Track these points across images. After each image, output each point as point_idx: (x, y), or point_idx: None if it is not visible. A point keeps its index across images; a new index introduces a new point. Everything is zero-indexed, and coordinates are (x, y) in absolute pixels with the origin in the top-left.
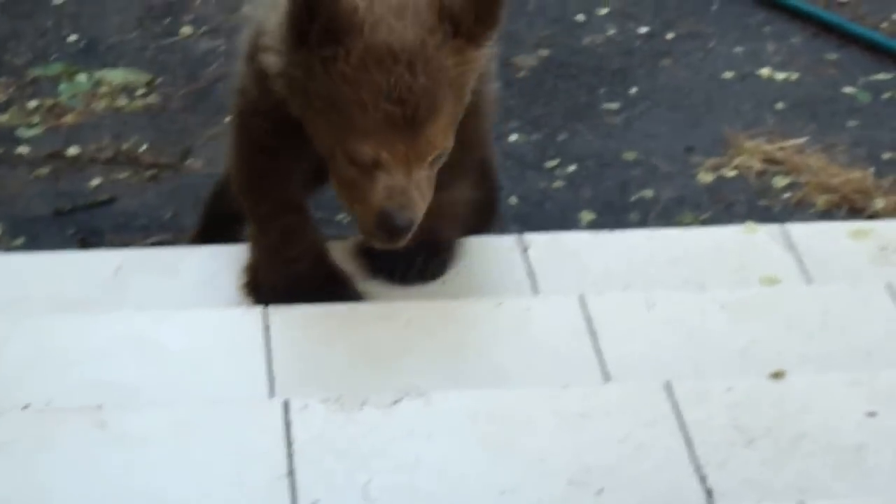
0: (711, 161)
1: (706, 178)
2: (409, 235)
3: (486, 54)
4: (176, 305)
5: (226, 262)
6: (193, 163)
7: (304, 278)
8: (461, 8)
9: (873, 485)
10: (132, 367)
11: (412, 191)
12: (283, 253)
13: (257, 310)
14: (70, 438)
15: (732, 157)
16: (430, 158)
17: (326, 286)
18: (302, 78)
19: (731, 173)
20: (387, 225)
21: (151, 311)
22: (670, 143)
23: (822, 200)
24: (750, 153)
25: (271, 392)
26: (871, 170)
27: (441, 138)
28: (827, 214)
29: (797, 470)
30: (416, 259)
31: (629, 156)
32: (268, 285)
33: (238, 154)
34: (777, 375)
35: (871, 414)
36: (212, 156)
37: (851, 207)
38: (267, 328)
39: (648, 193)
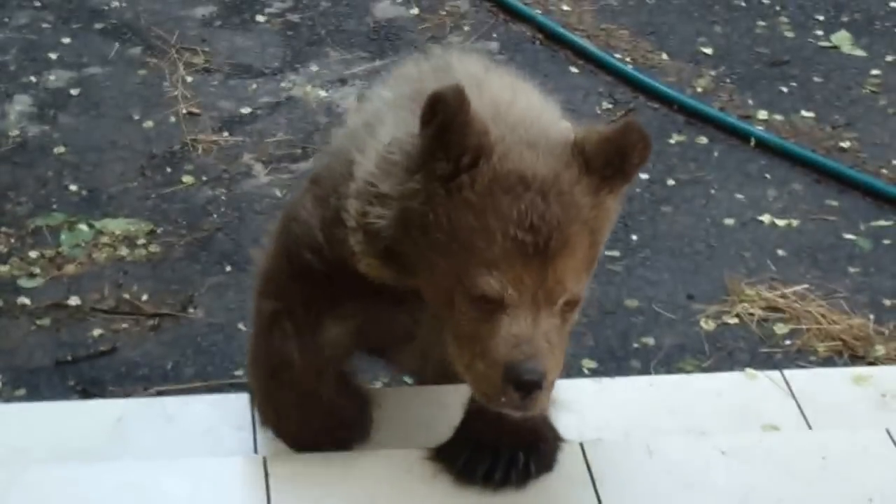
0: (713, 308)
1: (708, 325)
2: (542, 398)
3: (618, 206)
4: (177, 455)
5: (226, 411)
6: (195, 312)
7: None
8: (595, 150)
9: None
10: None
11: (540, 340)
12: (286, 395)
13: (258, 458)
14: None
15: (734, 304)
16: (560, 301)
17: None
18: (418, 210)
19: (733, 320)
20: (515, 379)
21: (152, 461)
22: (672, 290)
23: (823, 347)
24: (751, 300)
25: None
26: (872, 317)
27: (573, 280)
28: (828, 361)
29: None
30: (518, 456)
31: (631, 303)
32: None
33: (272, 275)
34: None
35: None
36: (213, 305)
37: (852, 354)
38: (267, 475)
39: (650, 341)
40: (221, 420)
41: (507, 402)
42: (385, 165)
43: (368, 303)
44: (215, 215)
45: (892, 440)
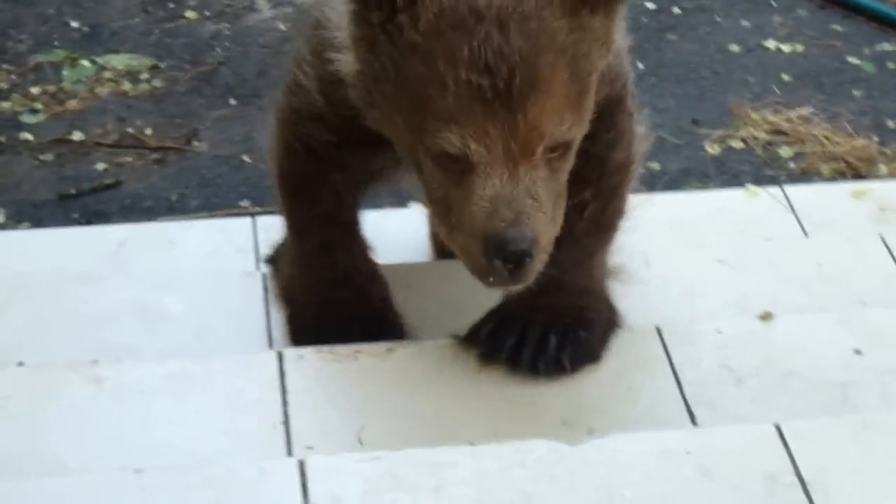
0: (718, 133)
1: (713, 149)
2: (535, 267)
3: (615, 27)
4: (178, 277)
5: (228, 235)
6: (199, 145)
7: (341, 311)
8: None
9: None
10: (131, 330)
11: (523, 200)
12: (322, 275)
13: (258, 273)
14: (65, 394)
15: (738, 128)
16: (539, 150)
17: (367, 325)
18: (367, 63)
19: (738, 144)
20: (496, 250)
21: (152, 277)
22: (677, 115)
23: (826, 168)
24: (756, 124)
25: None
26: (875, 138)
27: (552, 122)
28: (832, 182)
29: (784, 407)
30: (549, 339)
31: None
32: (299, 319)
33: (281, 156)
34: (765, 317)
35: (858, 352)
36: (217, 138)
37: (856, 175)
38: (266, 289)
39: (655, 166)
40: (223, 243)
41: (496, 279)
42: (340, 8)
43: (388, 164)
44: (218, 49)
45: (886, 247)
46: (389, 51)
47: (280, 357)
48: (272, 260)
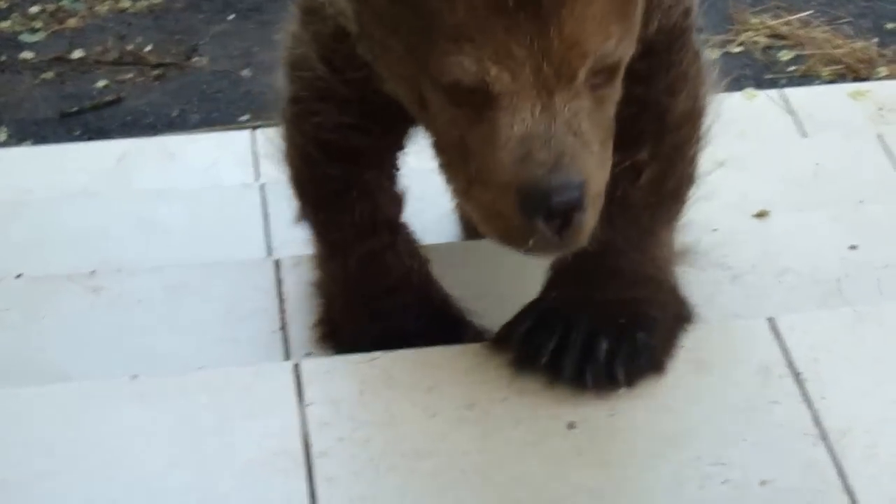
0: (717, 38)
1: (712, 54)
2: (587, 222)
3: None
4: (177, 190)
5: (228, 148)
6: (199, 61)
7: (402, 317)
8: None
9: None
10: (130, 243)
11: (564, 136)
12: (370, 287)
13: (255, 185)
14: (63, 303)
15: (738, 32)
16: (580, 73)
17: (434, 327)
18: None
19: (737, 49)
20: (537, 203)
21: (152, 191)
22: None
23: (826, 71)
24: (755, 28)
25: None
26: (876, 40)
27: (597, 36)
28: (832, 84)
29: (779, 303)
30: (599, 343)
31: None
32: (351, 330)
33: (297, 163)
34: (761, 215)
35: (853, 247)
36: (217, 53)
37: (856, 77)
38: (264, 200)
39: None
40: (224, 157)
41: (538, 244)
42: None
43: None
44: None
45: (883, 146)
46: None
47: (277, 265)
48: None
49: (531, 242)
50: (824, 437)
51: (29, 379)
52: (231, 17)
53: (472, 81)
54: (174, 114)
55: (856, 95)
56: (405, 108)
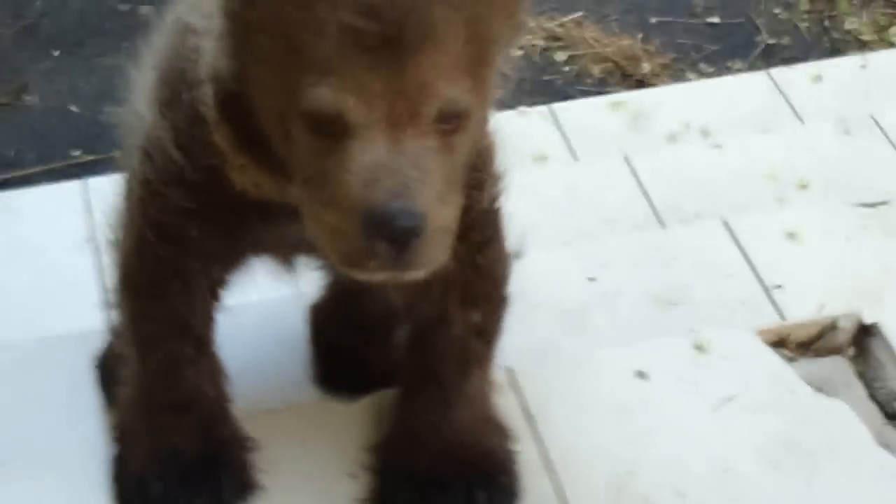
0: None
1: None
2: (425, 251)
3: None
4: (20, 247)
5: (67, 200)
6: (30, 99)
7: (180, 438)
8: None
9: None
10: None
11: (408, 170)
12: (160, 398)
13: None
14: None
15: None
16: (431, 113)
17: (207, 464)
18: (238, 13)
19: (516, 52)
20: (379, 225)
21: None
22: None
23: (597, 69)
24: (533, 32)
25: None
26: (640, 35)
27: (446, 82)
28: (602, 82)
29: None
30: (476, 496)
31: None
32: (133, 437)
33: (130, 250)
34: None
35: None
36: (46, 89)
37: (623, 73)
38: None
39: None
40: (63, 209)
41: (377, 264)
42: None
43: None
44: (38, 2)
45: (629, 166)
46: None
47: None
48: (102, 366)
49: (371, 263)
50: None
51: None
52: (55, 53)
53: (332, 111)
54: (11, 154)
55: (614, 107)
56: (255, 206)
